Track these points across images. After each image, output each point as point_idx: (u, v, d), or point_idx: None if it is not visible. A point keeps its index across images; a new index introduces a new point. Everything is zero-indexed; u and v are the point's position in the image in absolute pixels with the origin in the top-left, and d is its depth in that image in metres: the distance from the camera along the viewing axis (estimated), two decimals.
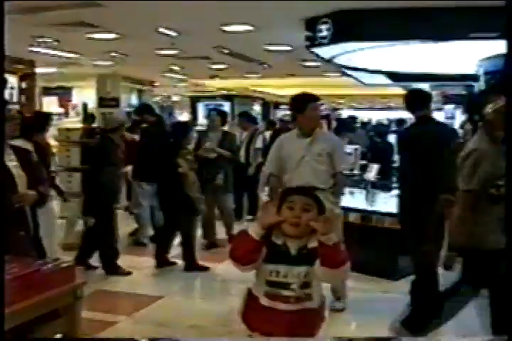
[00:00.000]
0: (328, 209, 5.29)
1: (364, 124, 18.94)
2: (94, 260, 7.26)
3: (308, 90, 5.87)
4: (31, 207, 4.20)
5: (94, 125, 11.92)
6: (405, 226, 5.85)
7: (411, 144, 5.79)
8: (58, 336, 3.54)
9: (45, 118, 7.65)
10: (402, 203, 5.82)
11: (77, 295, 3.44)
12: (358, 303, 6.03)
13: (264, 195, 8.67)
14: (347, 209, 7.30)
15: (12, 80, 13.35)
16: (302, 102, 5.63)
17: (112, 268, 7.16)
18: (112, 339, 4.97)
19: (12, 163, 4.10)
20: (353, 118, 15.55)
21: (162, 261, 7.52)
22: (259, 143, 10.59)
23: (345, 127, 12.27)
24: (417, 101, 5.78)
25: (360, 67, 10.80)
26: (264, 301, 2.96)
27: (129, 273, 7.19)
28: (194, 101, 23.95)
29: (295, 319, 2.93)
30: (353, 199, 8.01)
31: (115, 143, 7.24)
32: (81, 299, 3.48)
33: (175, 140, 7.56)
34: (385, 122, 18.39)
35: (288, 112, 10.53)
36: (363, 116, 26.18)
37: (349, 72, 11.76)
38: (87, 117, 13.23)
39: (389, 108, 34.11)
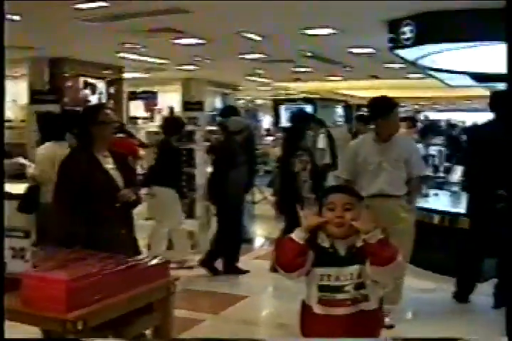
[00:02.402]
0: (401, 217, 5.32)
1: (451, 126, 18.63)
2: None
3: (391, 92, 5.87)
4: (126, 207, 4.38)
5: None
6: (476, 224, 5.89)
7: (479, 142, 5.84)
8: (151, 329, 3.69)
9: (180, 122, 8.36)
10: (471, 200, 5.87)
11: (171, 291, 3.57)
12: (440, 305, 6.02)
13: None
14: (431, 211, 7.30)
15: (100, 86, 13.70)
16: (385, 107, 5.47)
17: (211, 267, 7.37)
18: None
19: (109, 165, 4.29)
20: (438, 121, 15.41)
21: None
22: (321, 144, 10.40)
23: (431, 129, 12.18)
24: (496, 101, 5.84)
25: (444, 68, 10.67)
26: (318, 309, 2.88)
27: (217, 273, 7.35)
28: (276, 104, 24.06)
29: (352, 322, 2.82)
30: (438, 201, 7.99)
31: (239, 144, 7.45)
32: (174, 294, 3.60)
33: (292, 141, 7.69)
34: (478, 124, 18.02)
35: None
36: (452, 118, 25.81)
37: (433, 73, 11.62)
38: None
39: (473, 109, 33.52)
